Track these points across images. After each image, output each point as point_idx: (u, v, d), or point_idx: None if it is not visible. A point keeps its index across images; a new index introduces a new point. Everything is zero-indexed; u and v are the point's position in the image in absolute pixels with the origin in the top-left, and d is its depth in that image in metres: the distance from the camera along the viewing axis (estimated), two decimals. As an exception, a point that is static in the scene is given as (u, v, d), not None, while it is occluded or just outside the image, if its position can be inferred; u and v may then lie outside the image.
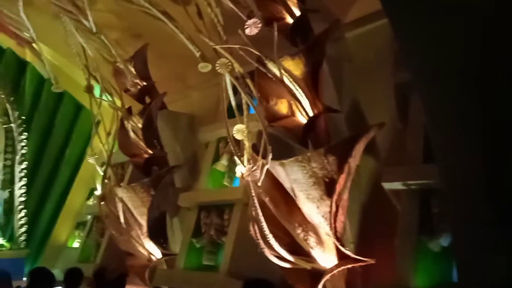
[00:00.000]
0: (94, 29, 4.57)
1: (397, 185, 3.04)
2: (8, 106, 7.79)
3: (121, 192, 4.76)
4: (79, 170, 8.02)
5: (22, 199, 7.71)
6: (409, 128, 3.18)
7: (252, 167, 3.25)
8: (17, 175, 7.69)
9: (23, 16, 4.43)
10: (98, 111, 5.14)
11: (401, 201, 3.08)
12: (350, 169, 3.12)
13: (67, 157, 8.17)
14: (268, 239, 3.21)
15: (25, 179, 7.77)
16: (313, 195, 3.33)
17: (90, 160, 5.02)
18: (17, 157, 7.72)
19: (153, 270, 4.55)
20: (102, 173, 4.91)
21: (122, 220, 4.71)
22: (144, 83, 5.11)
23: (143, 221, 4.81)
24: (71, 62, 6.31)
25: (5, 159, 7.68)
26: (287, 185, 3.51)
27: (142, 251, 4.79)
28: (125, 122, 5.05)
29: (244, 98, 3.56)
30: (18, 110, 7.94)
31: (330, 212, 3.30)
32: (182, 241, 4.36)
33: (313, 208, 3.38)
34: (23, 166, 7.77)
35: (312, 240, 3.48)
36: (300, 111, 3.59)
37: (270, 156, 3.29)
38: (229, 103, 4.21)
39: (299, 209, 3.56)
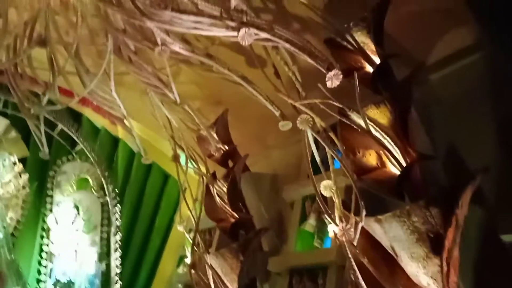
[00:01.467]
0: (178, 100, 4.78)
1: (519, 237, 2.62)
2: (103, 181, 8.33)
3: (210, 259, 4.69)
4: (169, 238, 8.19)
5: (118, 270, 7.98)
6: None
7: (346, 225, 3.02)
8: (113, 247, 8.03)
9: (115, 95, 4.76)
10: (185, 178, 5.25)
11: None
12: (458, 222, 2.77)
13: (157, 225, 8.43)
14: (367, 303, 2.89)
15: (120, 250, 8.09)
16: (418, 253, 2.98)
17: (179, 227, 5.07)
18: (112, 229, 8.11)
19: None
20: (191, 240, 4.91)
21: (212, 286, 4.60)
22: (227, 148, 5.18)
23: (234, 288, 4.66)
24: (158, 134, 6.66)
25: (102, 232, 8.09)
26: (385, 243, 3.20)
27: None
28: (210, 187, 5.08)
29: (329, 152, 3.40)
30: (112, 184, 8.45)
31: (440, 272, 2.92)
32: (274, 309, 4.11)
33: (419, 268, 3.01)
34: (118, 237, 8.12)
35: (421, 305, 3.08)
36: (391, 161, 3.34)
37: (363, 213, 3.04)
38: (313, 158, 4.10)
39: (402, 270, 3.20)
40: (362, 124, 3.29)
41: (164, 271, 8.20)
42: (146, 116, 6.32)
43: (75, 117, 8.82)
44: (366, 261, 2.98)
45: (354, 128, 3.42)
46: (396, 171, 3.35)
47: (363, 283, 2.90)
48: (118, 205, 8.36)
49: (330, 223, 3.08)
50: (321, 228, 4.20)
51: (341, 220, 3.10)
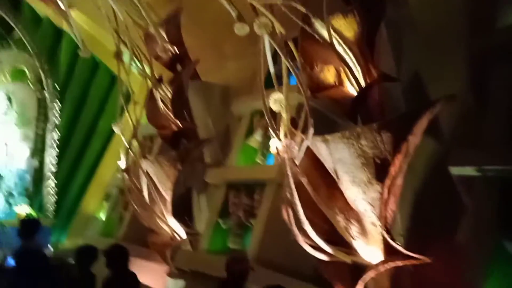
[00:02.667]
0: (125, -12, 4.20)
1: (469, 171, 2.50)
2: (42, 74, 7.64)
3: (146, 165, 4.43)
4: (111, 142, 7.83)
5: (53, 168, 7.61)
6: (489, 106, 2.61)
7: (290, 142, 2.80)
8: (48, 144, 7.58)
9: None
10: (127, 78, 4.80)
11: (473, 192, 2.55)
12: (409, 149, 2.62)
13: (100, 128, 8.02)
14: (304, 225, 2.77)
15: (56, 148, 7.67)
16: (360, 178, 2.85)
17: (114, 128, 4.71)
18: (49, 126, 7.60)
19: (175, 250, 4.23)
20: (127, 144, 4.59)
21: (145, 194, 4.39)
22: (176, 50, 4.72)
23: (168, 197, 4.48)
24: (103, 28, 6.01)
25: (37, 127, 7.56)
26: (329, 165, 3.05)
27: (165, 228, 4.47)
28: (154, 91, 4.69)
29: (285, 63, 3.08)
30: (52, 79, 7.79)
31: (380, 198, 2.82)
32: (208, 221, 3.99)
33: (359, 193, 2.91)
34: (55, 135, 7.65)
35: (354, 230, 3.01)
36: (349, 80, 3.09)
37: (311, 131, 2.82)
38: (268, 72, 3.80)
39: (341, 193, 3.10)
40: (326, 35, 2.97)
41: (103, 174, 7.94)
42: (90, 7, 5.67)
43: (15, 3, 7.90)
44: (305, 180, 2.82)
45: (316, 40, 3.09)
46: (353, 91, 3.12)
47: (298, 202, 2.74)
48: (58, 101, 7.77)
49: (274, 138, 2.83)
50: (267, 144, 4.00)
51: (286, 137, 2.87)
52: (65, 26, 7.89)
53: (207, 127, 4.85)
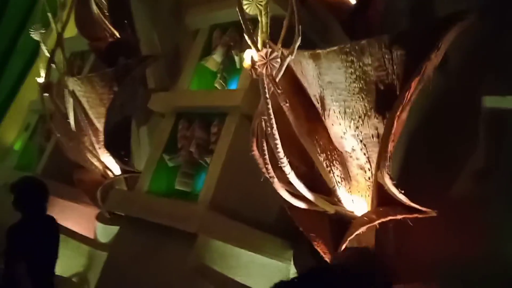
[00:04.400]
0: None
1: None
2: None
3: (73, 84, 3.51)
4: (35, 62, 6.63)
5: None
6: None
7: (272, 52, 2.06)
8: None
9: None
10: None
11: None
12: (426, 74, 1.98)
13: (21, 47, 6.75)
14: (282, 165, 2.10)
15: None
16: (355, 108, 2.21)
17: (33, 34, 3.68)
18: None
19: (107, 190, 3.46)
20: (48, 55, 3.61)
21: (71, 121, 3.51)
22: None
23: (100, 125, 3.64)
24: None
25: None
26: (314, 91, 2.37)
27: (96, 163, 3.67)
28: (86, -10, 3.67)
29: None
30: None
31: (376, 136, 2.22)
32: (150, 157, 3.23)
33: (349, 128, 2.28)
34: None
35: (336, 174, 2.42)
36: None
37: (297, 43, 2.09)
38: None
39: (324, 129, 2.47)
40: None
41: (24, 99, 6.75)
42: None
43: None
44: (287, 106, 2.12)
45: None
46: (350, -1, 2.41)
47: (277, 134, 2.06)
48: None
49: (251, 47, 2.08)
50: (228, 66, 3.23)
51: (256, 48, 2.11)
52: None
53: (152, 42, 3.94)
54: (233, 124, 2.84)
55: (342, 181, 2.45)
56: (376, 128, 2.23)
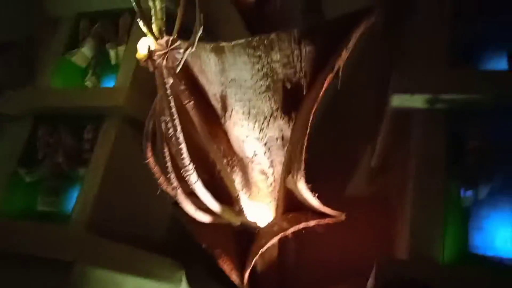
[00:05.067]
0: None
1: (416, 100, 1.90)
2: None
3: None
4: None
5: None
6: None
7: (174, 41, 1.75)
8: None
9: None
10: None
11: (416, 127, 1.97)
12: (334, 71, 1.90)
13: None
14: (188, 173, 1.80)
15: None
16: (260, 108, 2.03)
17: None
18: None
19: None
20: None
21: None
22: None
23: None
24: None
25: None
26: (214, 88, 2.12)
27: None
28: None
29: None
30: None
31: (281, 138, 2.07)
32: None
33: (252, 131, 2.09)
34: None
35: (237, 181, 2.21)
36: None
37: (199, 33, 1.82)
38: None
39: (223, 132, 2.23)
40: None
41: None
42: None
43: None
44: (191, 105, 1.84)
45: None
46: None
47: (182, 138, 1.76)
48: None
49: (148, 35, 1.74)
50: (101, 61, 2.77)
51: (154, 36, 1.79)
52: None
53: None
54: (113, 128, 2.41)
55: (242, 188, 2.25)
56: (281, 130, 2.09)
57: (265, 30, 2.08)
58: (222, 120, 2.19)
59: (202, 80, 2.15)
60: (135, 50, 2.64)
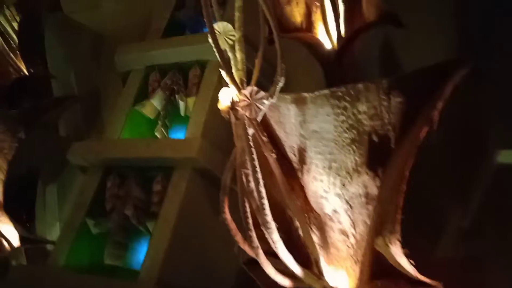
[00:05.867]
0: None
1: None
2: None
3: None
4: None
5: None
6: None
7: (258, 91, 1.69)
8: None
9: None
10: None
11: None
12: (432, 124, 1.76)
13: None
14: (269, 230, 1.68)
15: None
16: (343, 162, 1.91)
17: None
18: None
19: (4, 266, 2.64)
20: None
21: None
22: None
23: (-4, 181, 2.85)
24: None
25: None
26: (292, 140, 2.03)
27: (-13, 231, 2.83)
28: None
29: None
30: None
31: (365, 195, 1.92)
32: (68, 222, 2.55)
33: (333, 186, 1.95)
34: None
35: (316, 241, 2.05)
36: (325, 24, 2.13)
37: (279, 83, 1.76)
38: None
39: (300, 187, 2.11)
40: None
41: None
42: None
43: None
44: (274, 158, 1.74)
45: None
46: (327, 42, 2.18)
47: (263, 192, 1.65)
48: None
49: (230, 85, 1.70)
50: (170, 112, 2.77)
51: (240, 87, 1.75)
52: None
53: (67, 82, 3.35)
54: (184, 179, 2.35)
55: (320, 249, 2.08)
56: (366, 187, 1.93)
57: (345, 80, 2.01)
58: (299, 174, 2.08)
59: (279, 131, 2.07)
60: (205, 101, 2.64)
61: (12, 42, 3.11)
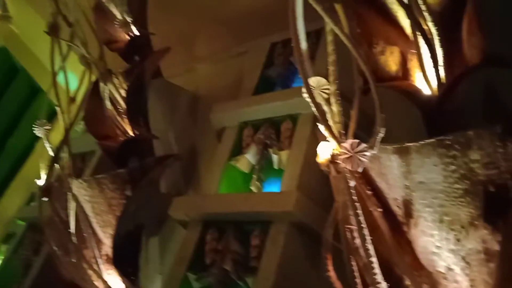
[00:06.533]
0: None
1: None
2: None
3: (77, 186, 3.01)
4: (22, 167, 6.15)
5: None
6: None
7: (359, 143, 1.66)
8: None
9: None
10: (62, 65, 3.42)
11: None
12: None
13: (10, 148, 6.34)
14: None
15: None
16: (456, 215, 1.76)
17: (37, 131, 3.24)
18: None
19: (112, 319, 2.78)
20: (52, 153, 3.15)
21: (72, 230, 2.94)
22: (136, 33, 3.48)
23: (104, 235, 3.06)
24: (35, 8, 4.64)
25: None
26: (395, 193, 1.93)
27: (97, 283, 3.00)
28: (101, 86, 3.37)
29: (328, 22, 1.94)
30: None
31: (484, 252, 1.75)
32: (171, 276, 2.63)
33: (446, 242, 1.80)
34: None
35: (427, 302, 1.89)
36: (423, 71, 2.08)
37: (380, 135, 1.71)
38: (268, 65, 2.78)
39: (406, 241, 1.99)
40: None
41: (5, 207, 6.11)
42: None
43: None
44: (380, 212, 1.66)
45: (380, 4, 2.09)
46: (424, 87, 2.11)
47: (372, 249, 1.57)
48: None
49: (329, 138, 1.69)
50: (264, 166, 2.81)
51: (339, 139, 1.73)
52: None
53: (167, 141, 3.57)
54: (282, 234, 2.33)
55: (432, 312, 1.90)
56: (485, 242, 1.76)
57: (448, 127, 1.90)
58: (405, 228, 1.96)
59: (381, 183, 1.99)
60: (299, 154, 2.64)
61: (119, 107, 3.42)
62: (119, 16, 3.33)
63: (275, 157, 2.79)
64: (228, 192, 2.89)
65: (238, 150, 3.02)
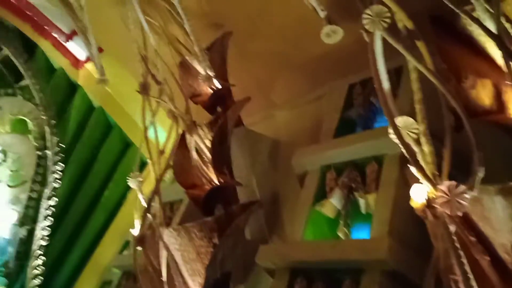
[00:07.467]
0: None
1: None
2: (47, 129, 6.58)
3: (168, 235, 3.12)
4: (116, 217, 6.54)
5: (43, 242, 6.22)
6: None
7: (457, 185, 1.55)
8: (42, 213, 6.27)
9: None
10: (152, 120, 3.67)
11: None
12: None
13: (105, 199, 6.77)
14: None
15: (51, 219, 6.36)
16: None
17: (130, 182, 3.46)
18: (46, 191, 6.35)
19: None
20: (145, 204, 3.32)
21: (164, 278, 3.02)
22: (219, 86, 3.65)
23: (195, 285, 3.10)
24: (127, 67, 5.08)
25: (32, 190, 6.31)
26: (502, 237, 1.76)
27: (189, 332, 3.03)
28: (187, 137, 3.54)
29: (411, 61, 1.88)
30: (58, 136, 6.74)
31: None
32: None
33: None
34: (52, 202, 6.38)
35: None
36: (521, 103, 1.93)
37: (480, 175, 1.59)
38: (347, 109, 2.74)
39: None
40: (491, 26, 1.84)
41: (102, 255, 6.49)
42: (117, 41, 4.78)
43: (29, 48, 7.15)
44: (488, 261, 1.51)
45: (466, 37, 2.00)
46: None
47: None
48: (61, 163, 6.60)
49: (423, 180, 1.60)
50: (351, 210, 2.72)
51: (433, 181, 1.63)
52: (80, 80, 7.08)
53: (250, 188, 3.61)
54: (375, 284, 2.20)
55: None
56: None
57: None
58: (514, 272, 1.76)
59: (485, 228, 1.82)
60: (388, 198, 2.52)
61: (205, 156, 3.55)
62: (202, 71, 3.52)
63: (361, 201, 2.70)
64: (314, 238, 2.82)
65: (322, 194, 2.97)
